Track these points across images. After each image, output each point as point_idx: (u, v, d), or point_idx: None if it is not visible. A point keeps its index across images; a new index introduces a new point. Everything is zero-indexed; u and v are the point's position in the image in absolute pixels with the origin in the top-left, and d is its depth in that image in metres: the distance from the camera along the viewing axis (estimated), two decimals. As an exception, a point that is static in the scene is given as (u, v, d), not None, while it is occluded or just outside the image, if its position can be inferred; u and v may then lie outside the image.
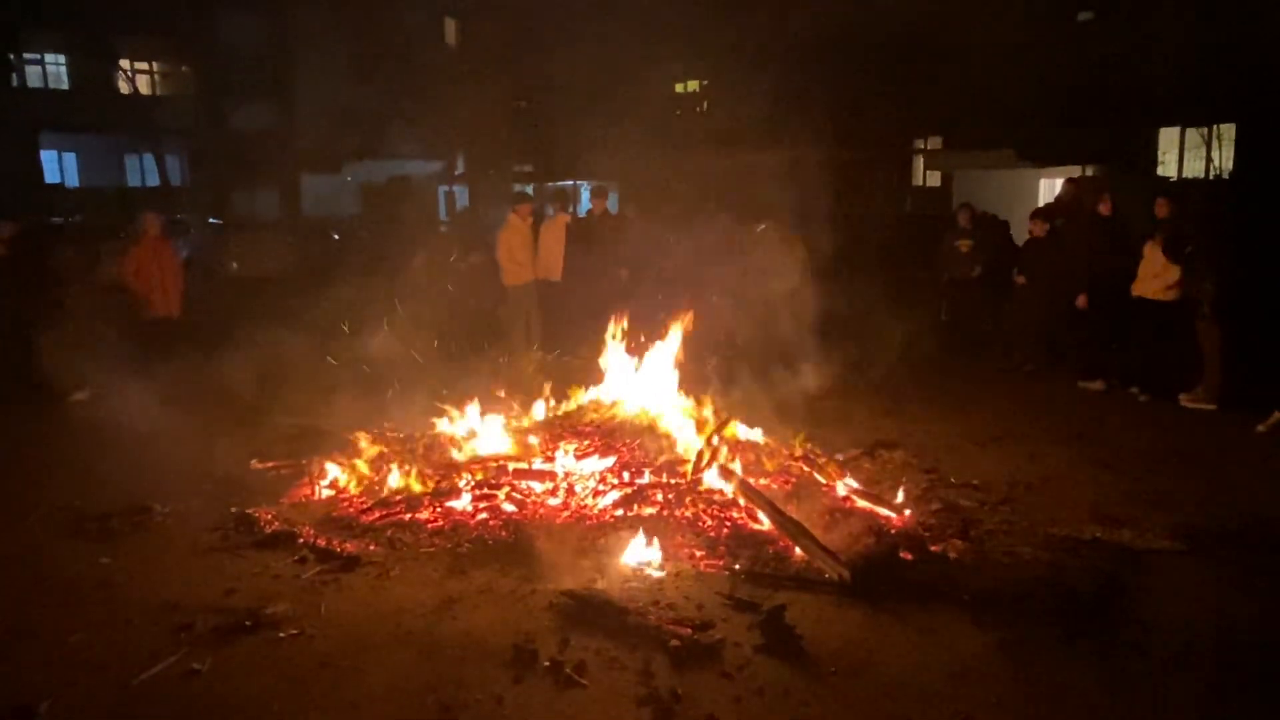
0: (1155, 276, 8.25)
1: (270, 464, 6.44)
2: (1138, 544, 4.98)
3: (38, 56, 29.63)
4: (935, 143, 23.55)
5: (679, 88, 27.44)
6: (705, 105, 26.86)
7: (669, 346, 6.46)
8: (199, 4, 25.97)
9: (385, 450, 6.13)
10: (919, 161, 24.32)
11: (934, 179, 23.60)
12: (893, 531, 5.06)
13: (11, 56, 28.66)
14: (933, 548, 4.87)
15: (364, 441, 6.22)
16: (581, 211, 14.56)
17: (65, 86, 30.31)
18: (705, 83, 26.58)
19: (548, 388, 6.68)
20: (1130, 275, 8.69)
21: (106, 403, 8.67)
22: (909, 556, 4.75)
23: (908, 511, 5.36)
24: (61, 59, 30.03)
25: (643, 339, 6.62)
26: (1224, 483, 6.07)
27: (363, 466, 5.95)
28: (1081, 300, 8.88)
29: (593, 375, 6.77)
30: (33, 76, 29.80)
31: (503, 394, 6.80)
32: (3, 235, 8.79)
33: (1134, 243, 8.74)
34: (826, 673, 3.76)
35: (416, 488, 5.57)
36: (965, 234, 10.29)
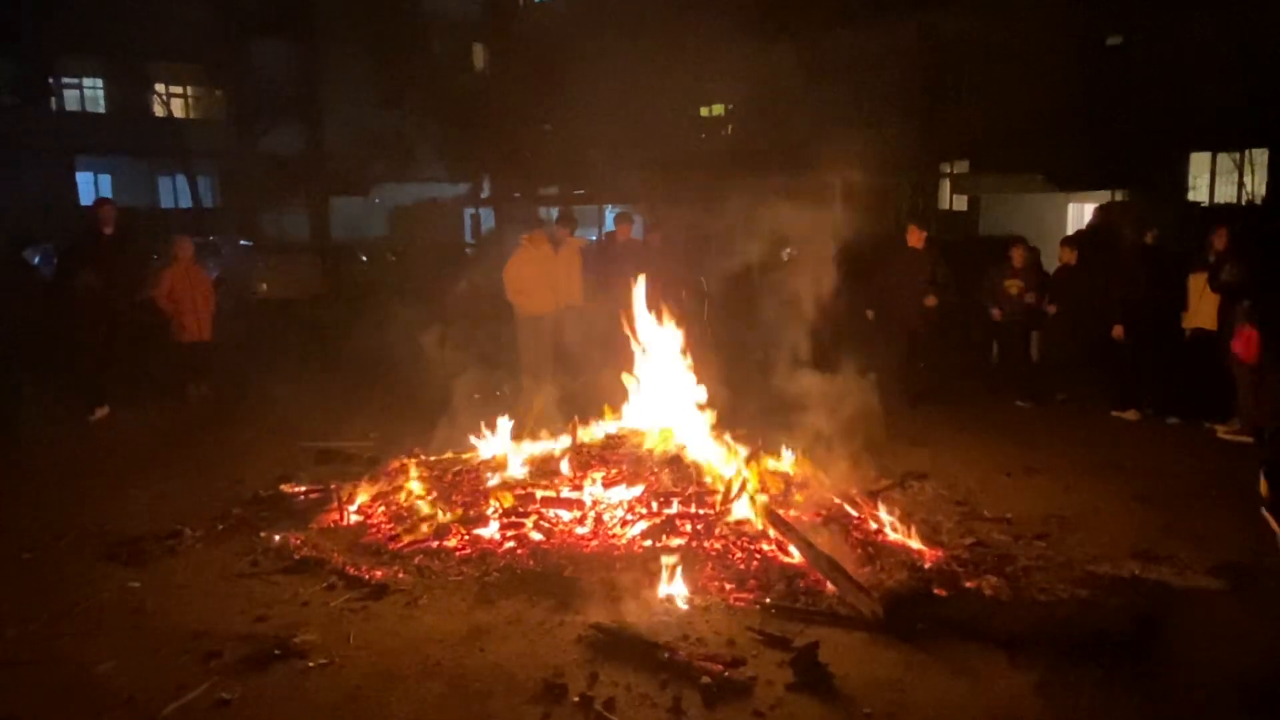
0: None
1: (300, 488, 6.46)
2: (1177, 582, 4.87)
3: (76, 80, 30.29)
4: (962, 166, 23.44)
5: (704, 111, 27.56)
6: (730, 129, 26.95)
7: (697, 371, 6.43)
8: (232, 30, 26.46)
9: (414, 477, 6.14)
10: (945, 185, 24.22)
11: (961, 203, 23.49)
12: (926, 567, 4.98)
13: (50, 81, 29.33)
14: (967, 584, 4.79)
15: (395, 468, 6.23)
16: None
17: (101, 110, 30.92)
18: (730, 106, 26.67)
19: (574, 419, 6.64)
20: (1166, 303, 8.53)
21: (139, 423, 8.78)
22: (943, 593, 4.67)
23: (941, 546, 5.28)
24: (99, 83, 30.65)
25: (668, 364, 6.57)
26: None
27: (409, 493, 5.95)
28: (1118, 330, 8.67)
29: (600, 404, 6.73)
30: (70, 100, 30.45)
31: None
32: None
33: (1170, 271, 8.59)
34: (860, 713, 3.69)
35: (445, 516, 5.56)
36: (1016, 274, 9.47)
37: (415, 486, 6.01)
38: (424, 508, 5.72)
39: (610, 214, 21.47)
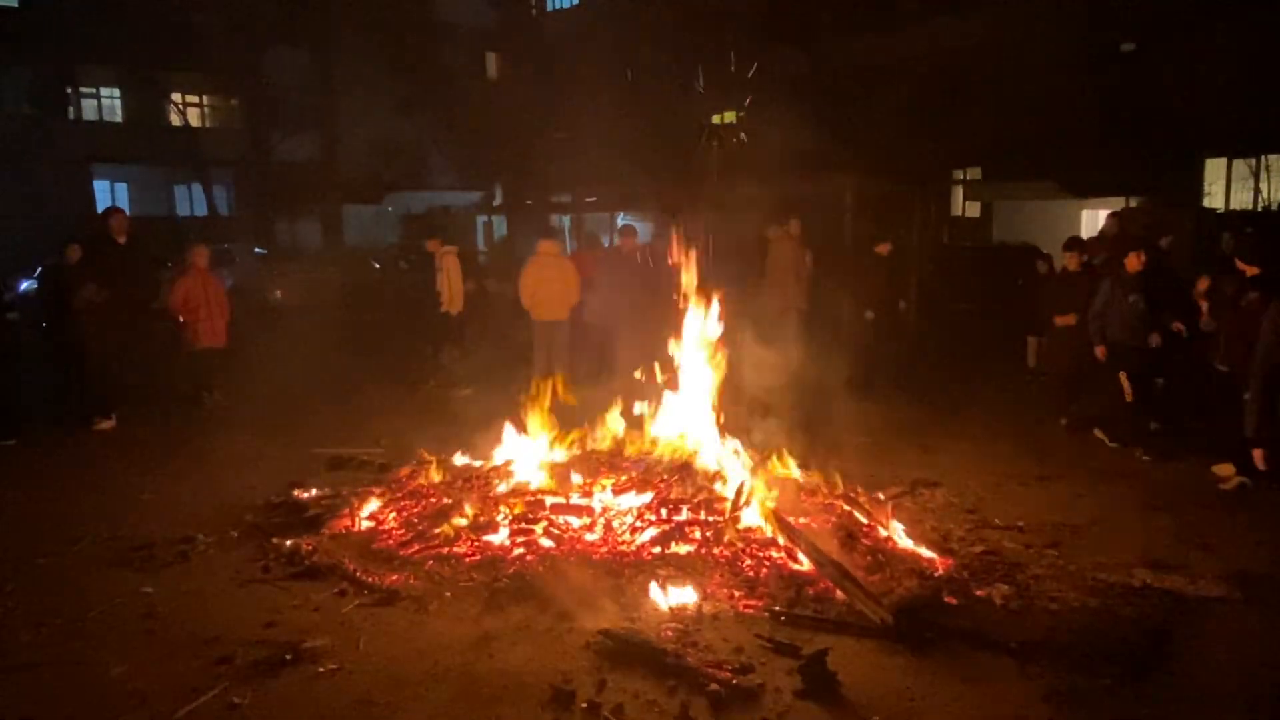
0: None
1: (312, 494, 6.49)
2: (1189, 591, 4.83)
3: (93, 90, 30.62)
4: (975, 173, 23.39)
5: (716, 119, 27.58)
6: (742, 136, 26.96)
7: (707, 379, 6.42)
8: (248, 40, 26.67)
9: (425, 484, 6.17)
10: (958, 192, 24.16)
11: (973, 209, 23.43)
12: (936, 575, 4.97)
13: (68, 90, 29.66)
14: (977, 592, 4.77)
15: (406, 474, 6.26)
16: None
17: (118, 119, 31.24)
18: (742, 114, 26.68)
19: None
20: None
21: (152, 429, 8.85)
22: (953, 601, 4.66)
23: (951, 554, 5.27)
24: (116, 92, 30.99)
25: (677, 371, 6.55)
26: (1277, 525, 5.89)
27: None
28: (1100, 351, 8.03)
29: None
30: (88, 109, 30.78)
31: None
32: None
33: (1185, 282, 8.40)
34: (869, 721, 3.69)
35: (459, 521, 5.57)
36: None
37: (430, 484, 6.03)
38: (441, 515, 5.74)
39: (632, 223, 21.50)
